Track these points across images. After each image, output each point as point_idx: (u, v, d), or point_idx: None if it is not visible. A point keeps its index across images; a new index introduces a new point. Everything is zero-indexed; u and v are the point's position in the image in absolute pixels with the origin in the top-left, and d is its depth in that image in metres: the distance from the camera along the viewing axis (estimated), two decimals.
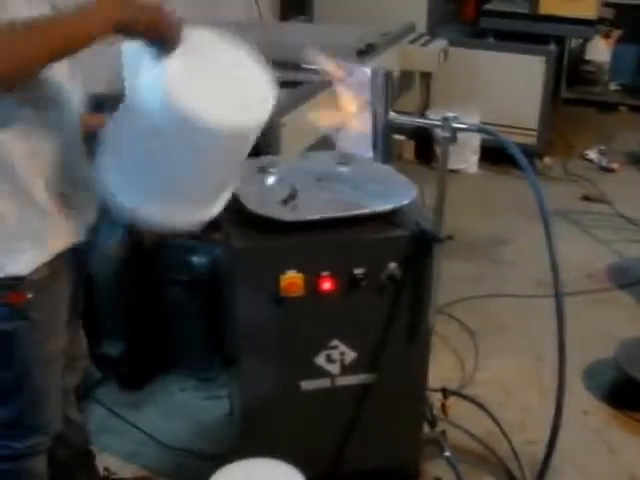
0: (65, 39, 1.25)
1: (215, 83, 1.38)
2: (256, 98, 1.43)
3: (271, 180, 1.98)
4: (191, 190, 1.48)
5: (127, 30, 1.27)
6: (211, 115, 1.30)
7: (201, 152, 1.39)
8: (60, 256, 1.55)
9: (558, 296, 1.75)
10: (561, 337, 1.75)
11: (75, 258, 1.63)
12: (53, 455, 2.00)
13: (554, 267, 1.75)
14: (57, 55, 1.27)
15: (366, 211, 1.85)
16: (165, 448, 2.38)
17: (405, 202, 1.89)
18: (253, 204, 1.83)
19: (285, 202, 1.85)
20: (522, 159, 1.78)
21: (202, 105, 1.30)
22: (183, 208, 1.50)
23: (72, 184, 1.54)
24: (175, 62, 1.32)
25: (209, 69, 1.39)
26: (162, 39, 1.30)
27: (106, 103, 2.51)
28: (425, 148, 4.58)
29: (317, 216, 1.82)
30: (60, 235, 1.54)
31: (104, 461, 2.04)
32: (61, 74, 1.45)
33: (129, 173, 1.44)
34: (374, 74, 1.85)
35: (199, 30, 1.39)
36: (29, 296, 1.50)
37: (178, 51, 1.32)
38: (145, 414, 2.53)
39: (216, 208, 1.56)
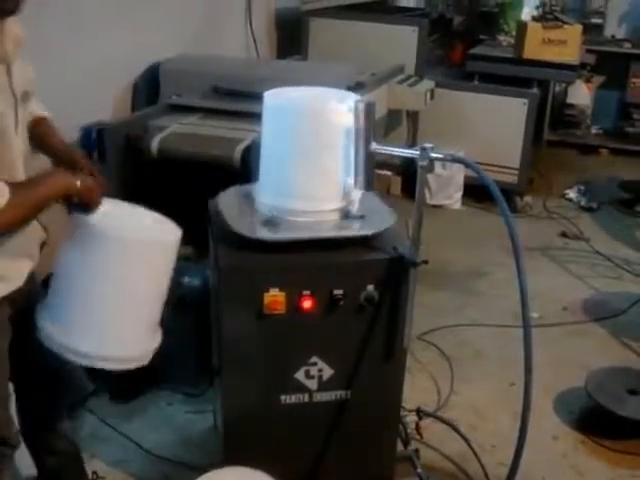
0: (34, 207, 1.57)
1: (129, 220, 1.76)
2: (164, 229, 1.79)
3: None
4: (122, 318, 1.71)
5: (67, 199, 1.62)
6: (129, 232, 1.69)
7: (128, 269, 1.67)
8: None
9: (525, 318, 1.83)
10: (528, 356, 1.83)
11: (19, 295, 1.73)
12: (44, 464, 2.09)
13: (522, 287, 1.81)
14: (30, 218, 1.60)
15: (346, 234, 1.97)
16: (151, 457, 2.47)
17: (384, 228, 2.00)
18: (237, 225, 1.95)
19: (267, 223, 1.97)
20: (495, 189, 1.86)
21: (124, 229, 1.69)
22: (116, 339, 1.71)
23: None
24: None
25: (124, 213, 1.78)
26: (86, 206, 1.65)
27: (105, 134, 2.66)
28: (411, 184, 4.72)
29: (296, 237, 1.93)
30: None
31: (93, 466, 2.13)
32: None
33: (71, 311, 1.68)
34: (356, 105, 1.95)
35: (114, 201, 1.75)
36: None
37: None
38: (134, 425, 2.63)
39: (148, 344, 1.82)
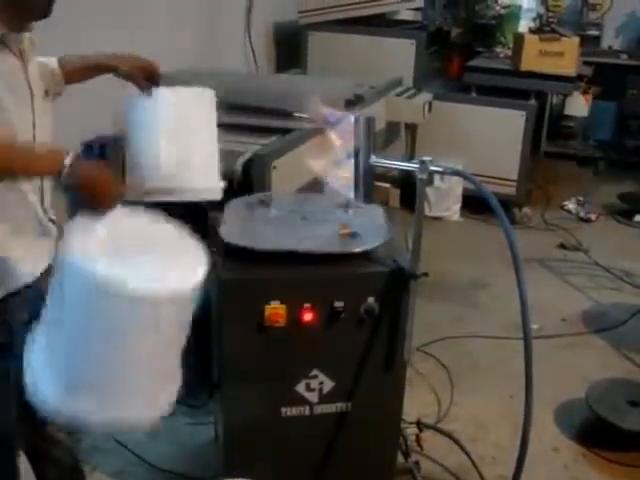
0: (24, 170, 1.49)
1: (136, 257, 1.43)
2: (182, 269, 1.50)
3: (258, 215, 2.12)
4: (130, 377, 1.44)
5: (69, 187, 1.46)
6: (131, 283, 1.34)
7: (131, 325, 1.39)
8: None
9: (526, 329, 1.83)
10: (528, 369, 1.83)
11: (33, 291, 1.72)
12: (44, 475, 2.08)
13: (523, 299, 1.82)
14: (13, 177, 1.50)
15: (341, 250, 1.97)
16: (153, 469, 2.47)
17: (379, 243, 2.00)
18: (238, 237, 1.97)
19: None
20: (494, 201, 1.87)
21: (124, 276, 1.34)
22: (125, 401, 1.45)
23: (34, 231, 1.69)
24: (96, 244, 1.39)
25: (131, 245, 1.47)
26: (94, 201, 1.46)
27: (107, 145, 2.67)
28: (410, 196, 4.73)
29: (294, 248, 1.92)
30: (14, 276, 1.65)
31: (95, 478, 2.13)
32: None
33: (62, 368, 1.41)
34: (357, 120, 1.97)
35: (130, 210, 1.51)
36: None
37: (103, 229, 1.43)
38: (135, 436, 2.60)
39: (163, 405, 1.52)
